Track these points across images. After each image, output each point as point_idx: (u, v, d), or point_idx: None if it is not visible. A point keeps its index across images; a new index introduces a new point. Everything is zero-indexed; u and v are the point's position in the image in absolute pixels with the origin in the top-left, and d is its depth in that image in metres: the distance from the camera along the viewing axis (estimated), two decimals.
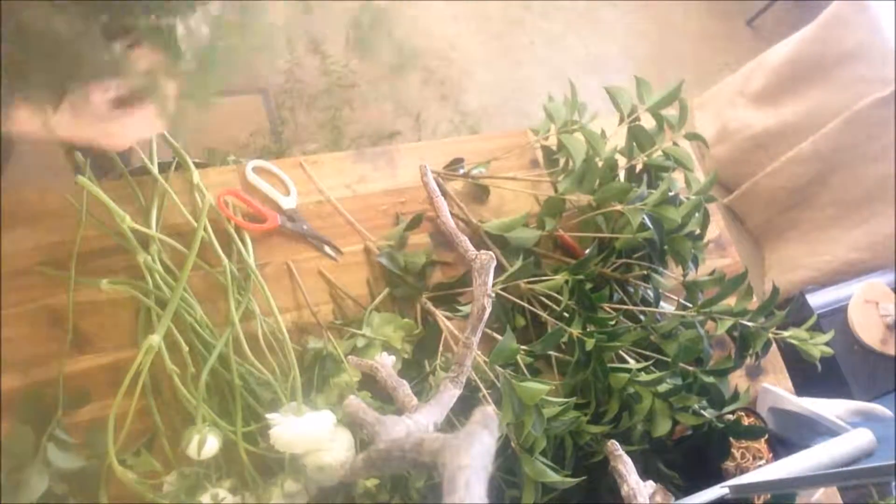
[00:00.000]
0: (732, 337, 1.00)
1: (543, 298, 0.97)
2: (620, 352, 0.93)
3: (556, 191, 1.04)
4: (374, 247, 0.98)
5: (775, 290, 1.00)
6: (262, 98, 2.08)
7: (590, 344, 0.88)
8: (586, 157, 0.98)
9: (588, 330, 0.90)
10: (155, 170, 0.91)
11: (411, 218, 0.99)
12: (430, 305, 0.94)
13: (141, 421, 0.80)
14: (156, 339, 0.77)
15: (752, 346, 0.99)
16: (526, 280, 0.96)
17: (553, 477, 0.79)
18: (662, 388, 0.88)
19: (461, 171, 1.08)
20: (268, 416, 0.77)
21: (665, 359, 0.94)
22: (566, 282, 0.94)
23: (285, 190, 0.98)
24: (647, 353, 0.95)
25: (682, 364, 0.93)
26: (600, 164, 0.99)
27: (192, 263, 0.83)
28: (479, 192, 1.10)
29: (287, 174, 0.99)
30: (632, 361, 0.92)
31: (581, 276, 0.93)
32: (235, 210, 0.94)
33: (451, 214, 0.98)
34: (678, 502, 0.85)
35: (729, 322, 0.97)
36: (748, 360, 1.02)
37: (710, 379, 0.93)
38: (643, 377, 0.87)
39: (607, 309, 0.97)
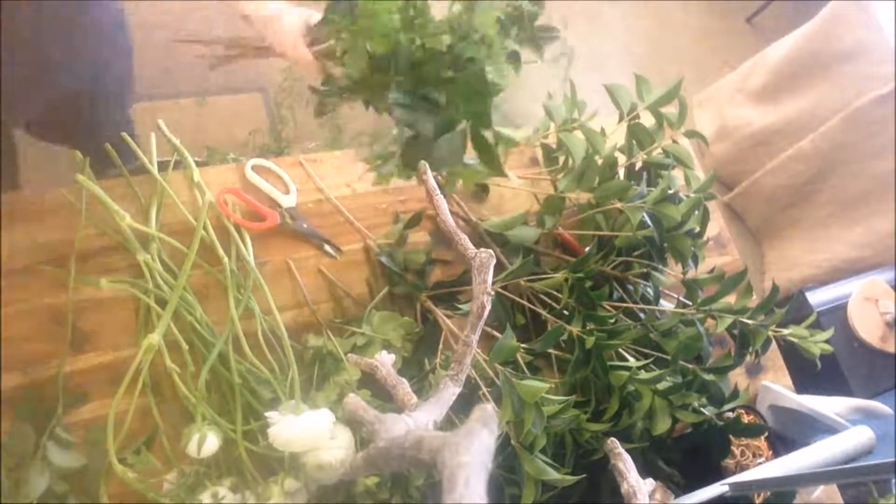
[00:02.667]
0: (732, 335, 1.00)
1: (543, 297, 0.97)
2: (620, 350, 0.93)
3: (555, 189, 1.04)
4: (373, 245, 0.98)
5: (775, 287, 1.00)
6: (262, 96, 2.08)
7: (589, 342, 0.87)
8: (586, 154, 0.98)
9: (588, 328, 0.90)
10: (154, 168, 0.91)
11: (411, 216, 0.99)
12: (429, 304, 0.94)
13: (141, 419, 0.81)
14: (155, 337, 0.77)
15: (752, 344, 0.99)
16: (526, 278, 0.96)
17: (553, 475, 0.79)
18: (662, 385, 0.88)
19: None
20: (266, 414, 0.77)
21: (665, 357, 0.94)
22: (566, 280, 0.94)
23: (285, 188, 0.98)
24: (647, 350, 0.95)
25: (681, 362, 0.93)
26: (600, 161, 0.99)
27: (193, 262, 0.83)
28: (479, 190, 1.10)
29: (287, 173, 0.99)
30: (631, 359, 0.92)
31: (581, 275, 0.93)
32: (235, 208, 0.94)
33: (451, 213, 0.98)
34: (678, 500, 0.85)
35: (728, 320, 0.97)
36: (748, 358, 1.02)
37: (710, 377, 0.93)
38: (643, 375, 0.87)
39: (607, 307, 0.97)
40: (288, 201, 0.97)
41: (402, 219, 1.01)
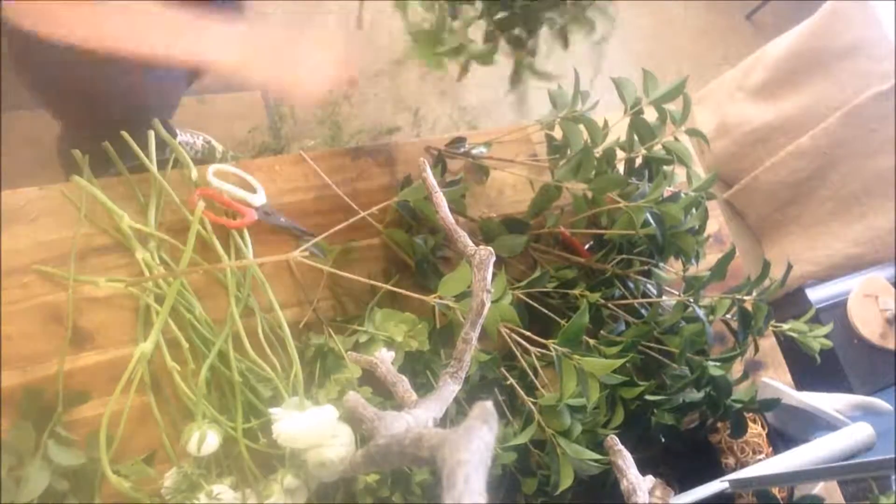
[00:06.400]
0: (732, 330, 1.00)
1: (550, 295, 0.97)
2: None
3: (552, 178, 1.04)
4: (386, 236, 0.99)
5: (767, 263, 0.99)
6: (261, 94, 2.08)
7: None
8: (584, 145, 0.98)
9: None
10: (153, 167, 0.90)
11: (403, 180, 0.99)
12: None
13: (140, 418, 0.81)
14: (148, 346, 0.77)
15: (754, 322, 0.98)
16: (524, 291, 0.96)
17: (591, 455, 0.80)
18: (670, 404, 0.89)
19: (462, 150, 1.08)
20: (271, 410, 0.77)
21: (671, 350, 0.94)
22: (581, 295, 0.94)
23: (251, 188, 0.96)
24: (651, 345, 0.95)
25: (688, 355, 0.93)
26: (598, 153, 0.99)
27: (191, 260, 0.83)
28: (480, 173, 1.10)
29: (253, 175, 0.98)
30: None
31: (598, 294, 0.94)
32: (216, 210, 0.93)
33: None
34: (678, 497, 0.85)
35: (727, 302, 0.97)
36: (750, 344, 1.01)
37: (718, 371, 0.93)
38: (652, 398, 0.89)
39: (611, 307, 0.97)
40: (259, 199, 0.95)
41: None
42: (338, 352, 0.86)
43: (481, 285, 0.77)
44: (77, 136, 1.25)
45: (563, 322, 0.91)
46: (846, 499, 1.10)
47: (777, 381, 1.12)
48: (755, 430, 1.02)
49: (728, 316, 1.00)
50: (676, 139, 1.04)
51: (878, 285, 1.77)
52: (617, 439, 0.83)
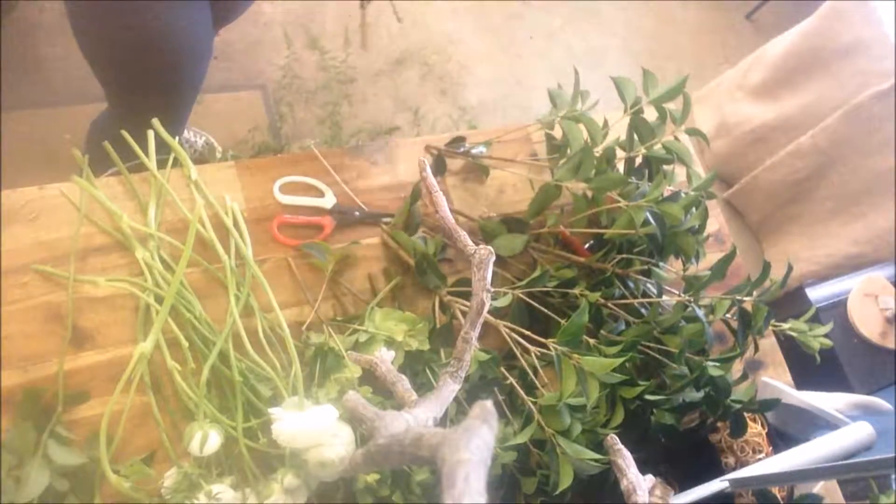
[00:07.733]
0: (732, 330, 1.00)
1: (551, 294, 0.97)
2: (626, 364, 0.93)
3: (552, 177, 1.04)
4: (387, 235, 0.99)
5: (767, 264, 0.99)
6: (261, 94, 2.08)
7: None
8: (584, 144, 0.98)
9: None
10: (153, 167, 0.90)
11: (412, 190, 1.00)
12: (449, 298, 0.95)
13: (140, 418, 0.81)
14: (147, 346, 0.77)
15: (754, 323, 0.98)
16: (524, 290, 0.96)
17: (591, 454, 0.80)
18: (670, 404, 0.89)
19: (462, 149, 1.08)
20: (271, 410, 0.77)
21: (670, 350, 0.94)
22: (581, 294, 0.94)
23: (318, 192, 1.00)
24: (651, 345, 0.95)
25: (687, 354, 0.93)
26: (598, 153, 0.99)
27: (191, 260, 0.83)
28: (479, 173, 1.10)
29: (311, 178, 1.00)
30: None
31: (598, 294, 0.94)
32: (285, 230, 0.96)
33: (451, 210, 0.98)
34: (678, 497, 0.85)
35: (727, 302, 0.97)
36: (749, 345, 1.01)
37: (717, 371, 0.93)
38: (651, 397, 0.89)
39: (611, 306, 0.97)
40: (329, 201, 0.99)
41: (406, 200, 1.01)
42: (338, 351, 0.86)
43: (481, 285, 0.77)
44: (126, 109, 1.27)
45: (562, 321, 0.91)
46: (846, 498, 1.10)
47: (777, 381, 1.12)
48: (755, 430, 1.02)
49: (728, 316, 1.00)
50: (676, 138, 1.04)
51: (878, 285, 1.77)
52: (617, 438, 0.83)
